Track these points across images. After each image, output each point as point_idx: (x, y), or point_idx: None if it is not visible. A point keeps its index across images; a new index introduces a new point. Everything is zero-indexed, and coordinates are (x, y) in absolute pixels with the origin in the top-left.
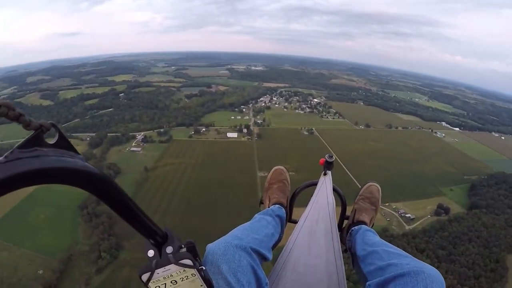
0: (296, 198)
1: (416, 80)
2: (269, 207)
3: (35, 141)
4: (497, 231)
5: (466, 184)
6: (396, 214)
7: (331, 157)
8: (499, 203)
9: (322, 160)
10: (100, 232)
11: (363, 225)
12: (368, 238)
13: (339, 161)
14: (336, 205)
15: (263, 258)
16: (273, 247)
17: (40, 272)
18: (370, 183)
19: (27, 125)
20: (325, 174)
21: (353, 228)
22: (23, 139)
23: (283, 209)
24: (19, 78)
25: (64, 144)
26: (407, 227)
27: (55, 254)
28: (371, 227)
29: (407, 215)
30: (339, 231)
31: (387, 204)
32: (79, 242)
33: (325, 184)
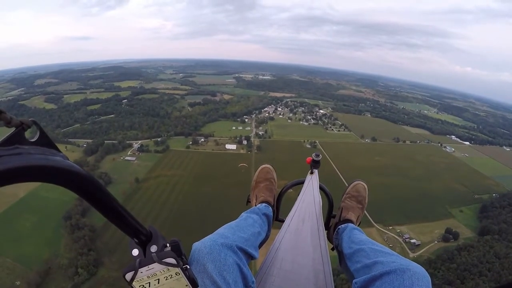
0: (283, 196)
1: (425, 92)
2: (256, 205)
3: (16, 138)
4: (511, 263)
5: (477, 204)
6: (400, 240)
7: (318, 155)
8: None
9: (309, 158)
10: (80, 246)
11: (350, 224)
12: (355, 236)
13: (340, 176)
14: (323, 203)
15: (249, 256)
16: (260, 245)
17: (17, 283)
18: (357, 182)
19: (8, 123)
20: (311, 172)
21: (339, 227)
22: (4, 137)
23: (270, 208)
24: (27, 80)
25: (45, 141)
26: (411, 255)
27: (35, 265)
28: (358, 225)
29: (412, 241)
30: (326, 230)
31: (390, 227)
32: (59, 254)
33: (312, 183)
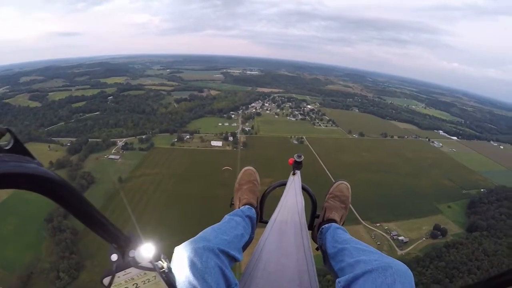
0: (267, 198)
1: (413, 87)
2: (239, 208)
3: None
4: (500, 260)
5: (465, 199)
6: (388, 237)
7: (300, 156)
8: (501, 224)
9: (291, 160)
10: (62, 249)
11: (333, 223)
12: (338, 236)
13: (327, 172)
14: (307, 203)
15: (232, 259)
16: (245, 247)
17: None
18: (340, 182)
19: None
20: (294, 174)
21: (323, 226)
22: None
23: (253, 210)
24: (12, 77)
25: (20, 149)
26: (399, 252)
27: (17, 269)
28: (342, 225)
29: (400, 238)
30: (310, 230)
31: (378, 224)
32: (41, 258)
33: (294, 184)
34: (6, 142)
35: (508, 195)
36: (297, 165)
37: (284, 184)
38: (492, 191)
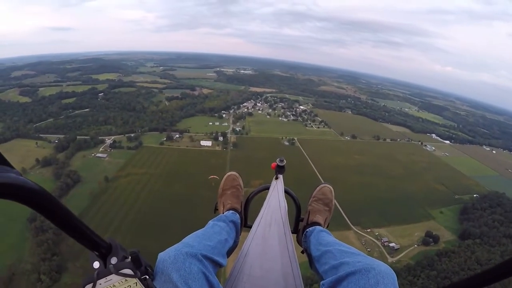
0: (251, 203)
1: (406, 90)
2: (223, 213)
3: None
4: None
5: (457, 205)
6: (379, 243)
7: (282, 161)
8: (494, 231)
9: (273, 164)
10: (43, 251)
11: (318, 226)
12: (322, 238)
13: (318, 175)
14: (292, 207)
15: (217, 264)
16: (230, 252)
17: None
18: (323, 185)
19: None
20: (276, 178)
21: (307, 230)
22: None
23: (237, 215)
24: (3, 72)
25: None
26: (390, 260)
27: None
28: (326, 227)
29: (391, 245)
30: (295, 233)
31: (369, 230)
32: (23, 259)
33: (277, 188)
34: None
35: (501, 201)
36: (280, 169)
37: (268, 189)
38: (485, 197)
